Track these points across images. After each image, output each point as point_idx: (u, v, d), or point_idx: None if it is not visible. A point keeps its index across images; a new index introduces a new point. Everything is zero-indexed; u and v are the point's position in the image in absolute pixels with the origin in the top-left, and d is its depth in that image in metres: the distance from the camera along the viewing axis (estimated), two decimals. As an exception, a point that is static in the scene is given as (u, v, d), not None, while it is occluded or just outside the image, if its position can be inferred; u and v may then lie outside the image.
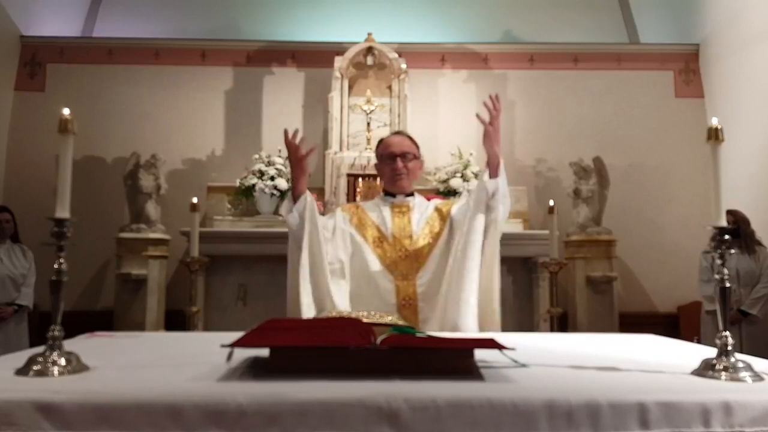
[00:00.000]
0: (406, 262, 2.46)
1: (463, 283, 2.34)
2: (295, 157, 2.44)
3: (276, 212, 5.62)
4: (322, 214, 2.66)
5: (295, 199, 2.44)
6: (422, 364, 1.32)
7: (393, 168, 2.58)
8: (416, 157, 2.65)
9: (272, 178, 5.52)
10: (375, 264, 2.47)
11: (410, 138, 2.73)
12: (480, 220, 2.41)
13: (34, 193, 5.52)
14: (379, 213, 2.60)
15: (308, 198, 2.43)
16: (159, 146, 5.75)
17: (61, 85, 6.22)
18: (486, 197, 2.42)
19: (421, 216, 2.59)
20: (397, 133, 2.93)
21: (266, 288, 5.19)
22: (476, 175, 5.61)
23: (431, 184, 5.82)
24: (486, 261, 2.41)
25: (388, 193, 2.66)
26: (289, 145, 2.44)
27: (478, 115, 2.40)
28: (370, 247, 2.51)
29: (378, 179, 4.88)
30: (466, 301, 2.33)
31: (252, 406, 1.11)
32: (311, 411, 1.11)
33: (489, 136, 2.43)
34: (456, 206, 2.60)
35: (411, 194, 2.67)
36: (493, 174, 2.43)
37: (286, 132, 2.43)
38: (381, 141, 2.76)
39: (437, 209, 2.63)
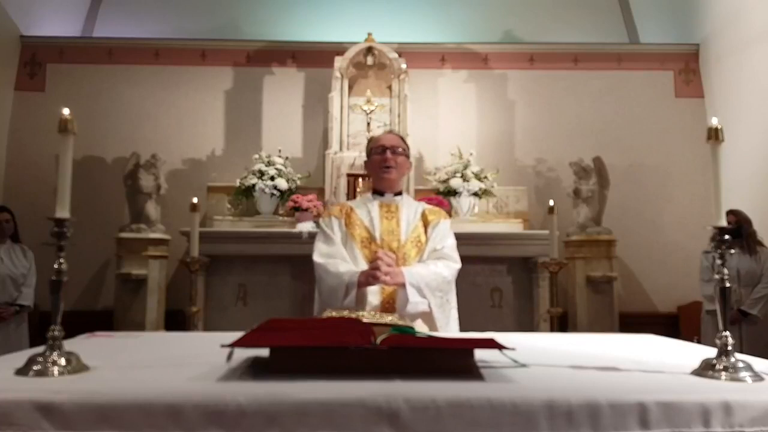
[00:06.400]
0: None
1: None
2: (375, 277, 2.37)
3: (276, 212, 5.63)
4: (318, 216, 2.67)
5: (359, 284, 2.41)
6: (422, 364, 1.32)
7: (382, 158, 2.59)
8: (406, 154, 2.67)
9: (272, 178, 5.52)
10: (362, 264, 2.48)
11: (401, 137, 2.76)
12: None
13: (34, 193, 5.52)
14: (368, 212, 2.60)
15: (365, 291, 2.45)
16: (159, 146, 5.75)
17: (61, 85, 6.22)
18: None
19: (409, 218, 2.61)
20: (389, 132, 2.97)
21: (266, 288, 5.19)
22: (476, 175, 5.61)
23: (431, 184, 5.82)
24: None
25: (377, 192, 2.67)
26: (378, 264, 2.37)
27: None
28: (357, 247, 2.53)
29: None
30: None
31: (252, 406, 1.11)
32: (311, 411, 1.11)
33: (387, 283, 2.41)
34: (432, 232, 2.60)
35: (399, 193, 2.68)
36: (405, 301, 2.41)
37: (380, 254, 2.40)
38: (371, 139, 2.80)
39: (423, 216, 2.64)
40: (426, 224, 2.61)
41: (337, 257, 2.52)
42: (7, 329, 4.40)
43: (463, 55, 6.45)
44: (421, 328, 2.37)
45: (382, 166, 2.60)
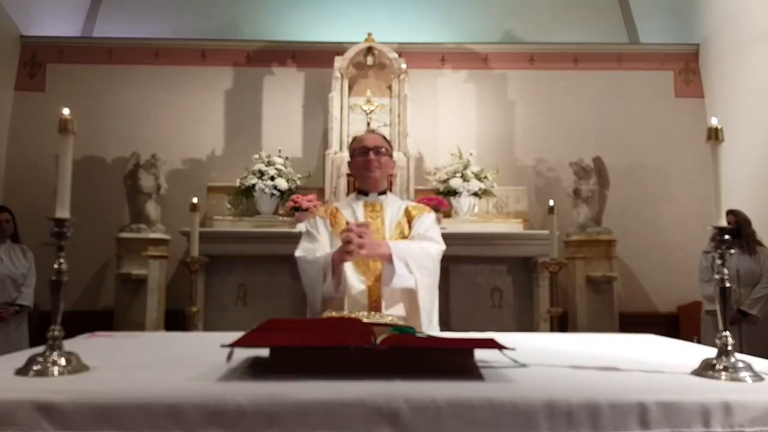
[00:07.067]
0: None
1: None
2: (348, 251, 2.27)
3: (276, 212, 5.63)
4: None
5: (333, 268, 2.35)
6: (422, 364, 1.32)
7: (366, 160, 2.58)
8: (389, 154, 2.66)
9: (272, 178, 5.52)
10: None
11: (383, 137, 2.74)
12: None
13: (34, 193, 5.52)
14: (353, 212, 2.60)
15: (344, 273, 2.41)
16: (159, 146, 5.75)
17: (61, 85, 6.22)
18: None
19: (393, 217, 2.60)
20: (371, 131, 2.95)
21: (266, 288, 5.19)
22: (476, 175, 5.61)
23: (431, 184, 5.83)
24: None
25: (361, 192, 2.67)
26: (349, 236, 2.28)
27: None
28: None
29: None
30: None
31: (252, 406, 1.11)
32: (311, 411, 1.11)
33: (365, 256, 2.35)
34: (415, 223, 2.59)
35: (383, 192, 2.67)
36: (391, 274, 2.34)
37: (350, 224, 2.34)
38: (354, 139, 2.78)
39: (407, 212, 2.63)
40: (410, 220, 2.60)
41: (317, 251, 2.48)
42: (7, 329, 4.40)
43: (463, 55, 6.45)
44: (399, 311, 2.36)
45: (366, 167, 2.59)
